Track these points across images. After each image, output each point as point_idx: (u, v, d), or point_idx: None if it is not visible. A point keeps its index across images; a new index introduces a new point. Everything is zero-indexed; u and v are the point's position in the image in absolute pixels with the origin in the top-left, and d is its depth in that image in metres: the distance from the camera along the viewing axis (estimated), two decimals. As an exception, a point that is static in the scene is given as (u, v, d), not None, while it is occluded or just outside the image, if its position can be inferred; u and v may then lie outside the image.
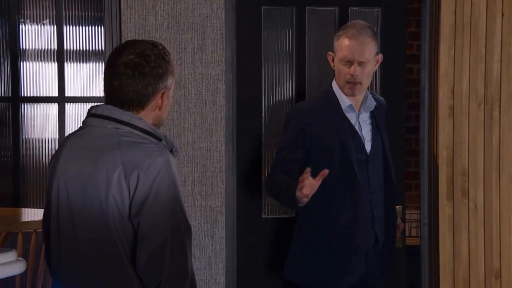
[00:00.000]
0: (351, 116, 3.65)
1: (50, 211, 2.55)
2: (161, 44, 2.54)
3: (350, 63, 3.59)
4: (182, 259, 2.42)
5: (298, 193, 3.38)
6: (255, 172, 4.18)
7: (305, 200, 3.40)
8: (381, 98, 3.88)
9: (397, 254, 4.16)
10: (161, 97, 2.50)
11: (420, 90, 4.26)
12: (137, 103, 2.47)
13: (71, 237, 2.46)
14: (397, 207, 4.10)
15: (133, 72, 2.44)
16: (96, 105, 2.52)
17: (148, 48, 2.49)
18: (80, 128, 2.54)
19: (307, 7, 4.22)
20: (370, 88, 4.26)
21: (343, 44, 3.59)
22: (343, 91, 3.64)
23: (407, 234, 4.55)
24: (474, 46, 4.07)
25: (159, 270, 2.39)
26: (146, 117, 2.50)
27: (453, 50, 4.08)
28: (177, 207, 2.42)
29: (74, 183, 2.46)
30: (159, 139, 2.48)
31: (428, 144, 4.23)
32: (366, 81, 3.64)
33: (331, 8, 4.24)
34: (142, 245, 2.38)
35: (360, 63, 3.58)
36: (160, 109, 2.51)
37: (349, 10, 4.23)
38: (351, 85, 3.60)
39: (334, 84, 3.68)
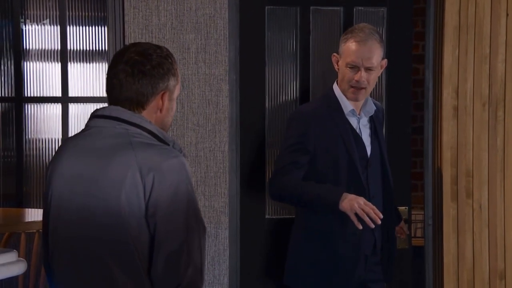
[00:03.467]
0: (353, 121, 3.62)
1: (49, 213, 2.49)
2: (166, 48, 2.49)
3: (356, 68, 3.53)
4: (199, 261, 2.38)
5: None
6: (258, 173, 4.17)
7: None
8: (378, 102, 3.86)
9: (403, 255, 4.15)
10: (162, 97, 2.45)
11: (424, 90, 4.25)
12: (137, 102, 2.43)
13: (72, 238, 2.42)
14: (403, 208, 4.09)
15: (132, 69, 2.41)
16: (103, 107, 2.47)
17: (151, 48, 2.46)
18: (84, 130, 2.49)
19: (311, 7, 4.20)
20: (376, 89, 4.25)
21: (351, 48, 3.52)
22: (346, 95, 3.59)
23: (412, 234, 4.53)
24: (479, 46, 4.06)
25: (176, 273, 2.34)
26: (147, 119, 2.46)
27: (457, 51, 4.07)
28: (194, 208, 2.38)
29: (79, 184, 2.40)
30: (167, 144, 2.44)
31: (432, 144, 4.22)
32: (371, 87, 3.60)
33: (336, 8, 4.22)
34: (159, 248, 2.34)
35: (367, 69, 3.52)
36: (161, 111, 2.46)
37: (354, 10, 4.22)
38: (355, 89, 3.55)
39: (335, 87, 3.63)
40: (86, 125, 2.50)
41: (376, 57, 3.53)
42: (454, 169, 4.07)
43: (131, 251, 2.34)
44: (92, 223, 2.37)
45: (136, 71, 2.41)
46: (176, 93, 2.50)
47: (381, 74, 4.16)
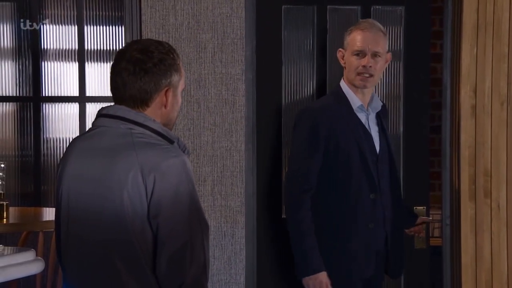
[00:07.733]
0: (362, 116, 3.62)
1: (60, 213, 2.52)
2: (167, 43, 2.50)
3: (363, 54, 3.55)
4: (202, 260, 2.40)
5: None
6: (275, 172, 4.17)
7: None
8: (382, 101, 3.84)
9: (421, 255, 4.14)
10: (165, 94, 2.45)
11: (442, 89, 4.24)
12: (140, 100, 2.44)
13: (80, 237, 2.43)
14: (421, 207, 4.08)
15: (134, 67, 2.41)
16: (108, 106, 2.49)
17: (152, 45, 2.46)
18: (90, 129, 2.51)
19: (328, 6, 4.19)
20: (394, 88, 4.24)
21: (356, 36, 3.57)
22: (353, 84, 3.59)
23: (430, 234, 4.51)
24: (497, 44, 4.03)
25: (180, 272, 2.36)
26: (152, 116, 2.45)
27: (475, 49, 4.04)
28: (195, 208, 2.40)
29: (86, 183, 2.43)
30: (171, 142, 2.45)
31: (450, 144, 4.20)
32: (378, 75, 3.61)
33: (353, 7, 4.21)
34: (162, 248, 2.35)
35: (374, 55, 3.55)
36: (165, 107, 2.47)
37: (372, 8, 4.21)
38: (363, 77, 3.57)
39: (343, 84, 3.65)
40: (93, 124, 2.52)
41: (382, 44, 3.57)
42: (472, 169, 4.05)
43: (135, 250, 2.36)
44: (98, 223, 2.39)
45: (138, 69, 2.42)
46: (180, 88, 2.51)
47: (399, 72, 4.16)
